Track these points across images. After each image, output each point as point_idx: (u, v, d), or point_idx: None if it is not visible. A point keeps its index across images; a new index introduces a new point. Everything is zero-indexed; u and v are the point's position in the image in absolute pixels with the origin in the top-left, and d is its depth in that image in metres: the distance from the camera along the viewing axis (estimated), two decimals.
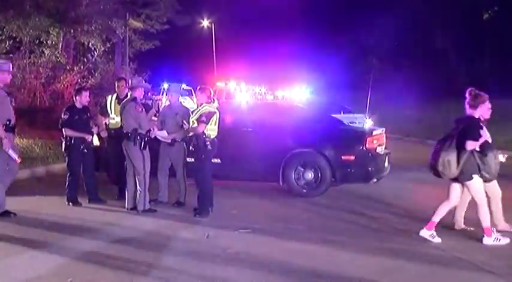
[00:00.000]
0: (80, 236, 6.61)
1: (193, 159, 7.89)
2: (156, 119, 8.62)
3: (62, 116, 8.31)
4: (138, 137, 7.68)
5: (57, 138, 10.89)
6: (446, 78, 28.16)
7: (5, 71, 7.40)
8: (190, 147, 7.75)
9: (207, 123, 7.59)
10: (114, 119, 8.64)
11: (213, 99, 8.32)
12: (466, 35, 26.79)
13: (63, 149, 8.40)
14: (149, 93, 18.53)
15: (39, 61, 17.88)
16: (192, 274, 5.33)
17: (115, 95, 8.79)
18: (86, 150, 8.32)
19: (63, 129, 8.24)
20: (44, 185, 9.98)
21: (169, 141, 8.24)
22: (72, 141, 8.23)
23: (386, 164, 9.76)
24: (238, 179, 9.72)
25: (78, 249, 6.07)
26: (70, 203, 8.22)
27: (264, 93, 17.94)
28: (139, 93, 7.99)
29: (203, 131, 7.58)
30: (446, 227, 7.20)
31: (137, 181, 7.76)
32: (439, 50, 28.83)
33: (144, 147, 7.75)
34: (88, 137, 8.35)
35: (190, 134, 7.73)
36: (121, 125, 8.29)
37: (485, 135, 6.48)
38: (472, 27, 26.03)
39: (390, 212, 8.29)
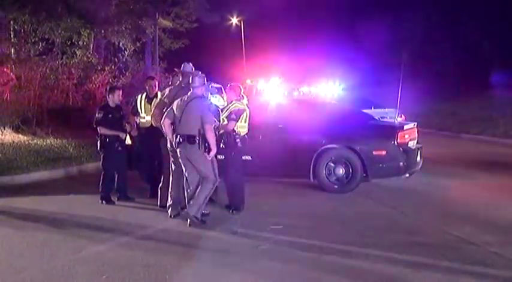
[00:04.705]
0: (113, 233, 6.70)
1: (223, 157, 7.91)
2: None
3: (96, 115, 8.39)
4: None
5: (90, 137, 11.06)
6: (479, 71, 27.66)
7: None
8: (221, 145, 7.76)
9: (236, 120, 7.62)
10: (144, 118, 8.71)
11: (243, 97, 8.32)
12: (499, 26, 26.27)
13: (98, 148, 8.49)
14: None
15: (71, 62, 18.12)
16: (224, 270, 5.35)
17: (144, 94, 8.86)
18: (120, 148, 8.43)
19: (98, 128, 8.34)
20: (77, 184, 10.12)
21: None
22: (107, 139, 8.33)
23: (418, 158, 9.64)
24: (269, 175, 9.71)
25: (112, 246, 6.16)
26: (103, 202, 8.32)
27: (293, 90, 17.92)
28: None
29: (233, 129, 7.60)
30: (484, 222, 7.12)
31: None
32: (472, 42, 28.33)
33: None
34: (122, 135, 8.45)
35: (221, 131, 7.75)
36: (151, 124, 8.36)
37: None
38: (506, 18, 25.51)
39: (422, 207, 8.21)
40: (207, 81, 7.51)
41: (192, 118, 6.88)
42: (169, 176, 7.63)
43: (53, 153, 12.15)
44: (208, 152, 6.89)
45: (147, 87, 8.92)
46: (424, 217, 7.55)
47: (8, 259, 5.75)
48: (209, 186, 7.00)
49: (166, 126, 7.06)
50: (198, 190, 7.03)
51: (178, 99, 7.12)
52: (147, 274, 5.21)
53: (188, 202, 7.11)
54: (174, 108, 7.04)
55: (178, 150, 7.02)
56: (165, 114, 7.10)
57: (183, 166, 7.12)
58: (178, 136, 6.91)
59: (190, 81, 7.18)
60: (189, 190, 7.14)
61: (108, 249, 6.06)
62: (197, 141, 6.86)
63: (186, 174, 7.15)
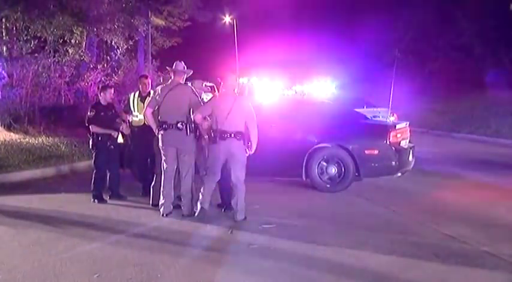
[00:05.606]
0: (105, 232, 6.68)
1: None
2: None
3: (88, 113, 8.38)
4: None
5: (82, 136, 11.04)
6: (471, 70, 27.77)
7: None
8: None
9: None
10: (137, 116, 8.70)
11: None
12: (491, 26, 26.37)
13: (90, 146, 8.47)
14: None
15: (64, 60, 18.05)
16: (216, 269, 5.34)
17: (137, 93, 8.85)
18: (112, 147, 8.41)
19: (90, 126, 8.31)
20: (69, 183, 10.10)
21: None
22: (99, 138, 8.31)
23: (410, 157, 9.67)
24: (261, 174, 9.68)
25: (104, 245, 6.13)
26: (95, 200, 8.30)
27: (286, 88, 17.85)
28: None
29: None
30: (476, 221, 7.15)
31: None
32: (464, 42, 28.44)
33: None
34: (114, 134, 8.42)
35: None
36: (144, 123, 8.33)
37: None
38: (497, 18, 25.61)
39: (414, 206, 8.23)
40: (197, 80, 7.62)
41: (239, 116, 7.25)
42: (161, 174, 7.62)
43: (44, 151, 12.10)
44: (250, 148, 7.33)
45: (140, 86, 8.91)
46: (416, 216, 7.56)
47: None
48: (242, 189, 7.26)
49: (198, 120, 7.24)
50: (235, 198, 7.28)
51: (217, 98, 7.53)
52: (139, 273, 5.20)
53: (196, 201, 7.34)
54: (214, 106, 7.28)
55: (214, 145, 7.21)
56: (200, 110, 7.28)
57: (214, 162, 7.26)
58: (225, 133, 7.14)
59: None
60: (202, 189, 7.29)
61: (100, 247, 6.04)
62: (242, 137, 7.24)
63: (208, 172, 7.33)
